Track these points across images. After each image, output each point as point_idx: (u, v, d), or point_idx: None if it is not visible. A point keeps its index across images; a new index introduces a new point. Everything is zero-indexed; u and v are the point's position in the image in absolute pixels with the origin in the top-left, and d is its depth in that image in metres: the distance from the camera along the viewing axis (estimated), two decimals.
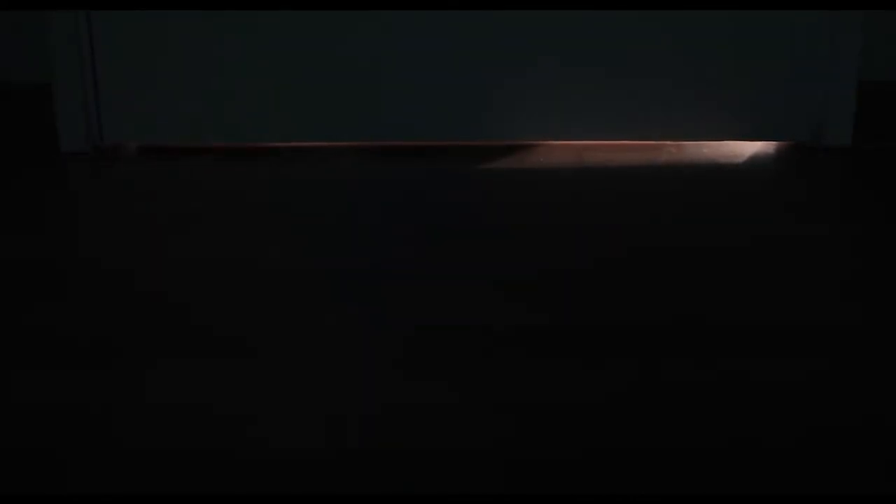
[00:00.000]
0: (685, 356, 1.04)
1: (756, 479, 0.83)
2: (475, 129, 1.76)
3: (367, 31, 1.71)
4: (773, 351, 1.05)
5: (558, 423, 0.91)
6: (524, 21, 1.71)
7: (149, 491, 0.82)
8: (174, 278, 1.24)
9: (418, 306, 1.16)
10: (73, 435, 0.90)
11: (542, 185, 1.58)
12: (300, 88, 1.74)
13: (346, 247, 1.34)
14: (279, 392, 0.97)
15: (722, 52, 1.73)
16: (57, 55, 1.69)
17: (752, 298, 1.17)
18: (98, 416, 0.93)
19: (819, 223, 1.42)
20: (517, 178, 1.62)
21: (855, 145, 1.74)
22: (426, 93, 1.74)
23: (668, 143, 1.78)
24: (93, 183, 1.62)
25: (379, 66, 1.73)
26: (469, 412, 0.94)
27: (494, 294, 1.19)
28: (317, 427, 0.91)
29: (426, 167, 1.68)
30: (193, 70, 1.72)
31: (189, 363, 1.03)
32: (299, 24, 1.71)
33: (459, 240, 1.35)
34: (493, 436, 0.90)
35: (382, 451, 0.87)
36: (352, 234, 1.38)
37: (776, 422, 0.92)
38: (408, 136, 1.77)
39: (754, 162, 1.70)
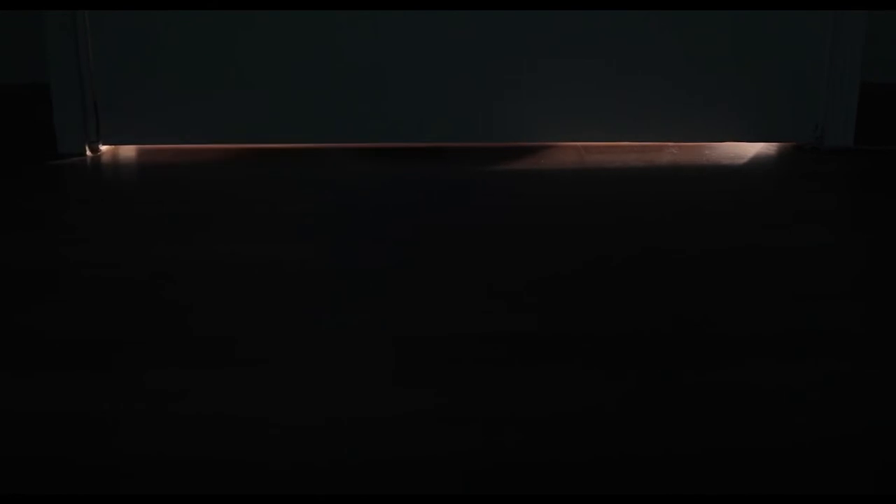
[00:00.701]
0: (685, 362, 1.03)
1: (756, 482, 0.82)
2: (476, 130, 1.76)
3: (367, 33, 1.71)
4: (775, 356, 1.04)
5: (557, 431, 0.91)
6: (526, 23, 1.70)
7: (148, 493, 0.81)
8: (174, 279, 1.23)
9: (415, 311, 1.15)
10: (73, 439, 0.90)
11: (543, 187, 1.57)
12: (300, 89, 1.73)
13: (346, 248, 1.33)
14: (272, 397, 0.97)
15: (724, 54, 1.72)
16: (53, 56, 1.68)
17: (753, 302, 1.17)
18: (97, 419, 0.93)
19: (821, 225, 1.42)
20: (518, 179, 1.61)
21: (857, 147, 1.74)
22: (426, 94, 1.73)
23: (670, 144, 1.78)
24: (90, 184, 1.61)
25: (380, 67, 1.72)
26: (465, 419, 0.93)
27: (492, 299, 1.18)
28: (312, 433, 0.91)
29: (427, 168, 1.67)
30: (192, 71, 1.72)
31: (186, 366, 1.02)
32: (299, 24, 1.70)
33: (459, 242, 1.35)
34: (490, 443, 0.89)
35: (378, 456, 0.87)
36: (351, 236, 1.37)
37: (777, 427, 0.91)
38: (408, 138, 1.76)
39: (756, 163, 1.70)
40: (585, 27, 1.71)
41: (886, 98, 1.75)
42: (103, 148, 1.75)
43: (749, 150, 1.76)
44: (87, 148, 1.73)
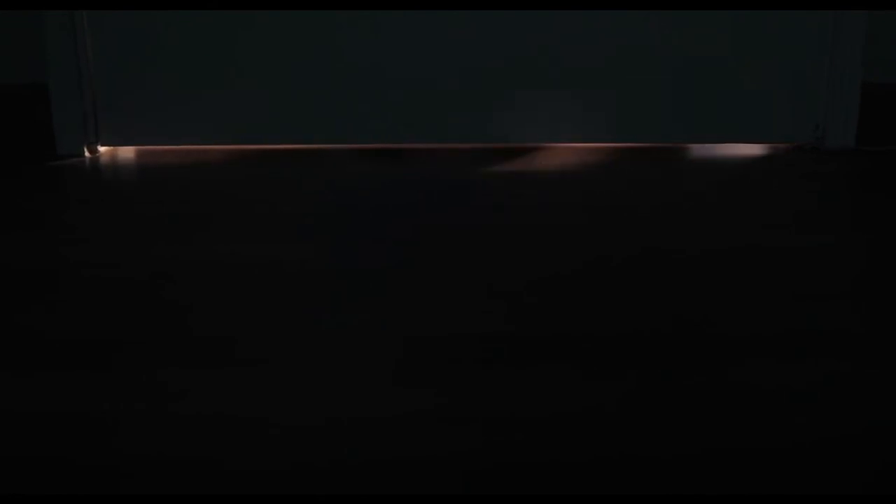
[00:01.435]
0: (685, 362, 1.03)
1: (756, 482, 0.82)
2: (476, 130, 1.76)
3: (367, 32, 1.71)
4: (775, 356, 1.04)
5: (557, 431, 0.91)
6: (526, 23, 1.70)
7: (148, 493, 0.81)
8: (174, 279, 1.23)
9: (415, 311, 1.15)
10: (73, 439, 0.89)
11: (543, 187, 1.57)
12: (300, 89, 1.73)
13: (346, 248, 1.33)
14: (272, 397, 0.97)
15: (724, 55, 1.72)
16: (53, 56, 1.68)
17: (753, 302, 1.17)
18: (97, 419, 0.92)
19: (822, 226, 1.41)
20: (518, 179, 1.61)
21: (858, 147, 1.73)
22: (426, 94, 1.73)
23: (671, 145, 1.77)
24: (89, 185, 1.61)
25: (380, 67, 1.72)
26: (465, 419, 0.93)
27: (492, 299, 1.18)
28: (312, 433, 0.91)
29: (426, 168, 1.67)
30: (191, 71, 1.72)
31: (186, 366, 1.02)
32: (299, 24, 1.70)
33: (459, 242, 1.35)
34: (490, 443, 0.89)
35: (378, 456, 0.87)
36: (351, 236, 1.37)
37: (777, 427, 0.91)
38: (408, 138, 1.76)
39: (757, 164, 1.69)
40: (585, 27, 1.71)
41: (887, 98, 1.75)
42: (102, 149, 1.75)
43: (750, 150, 1.76)
44: (85, 149, 1.72)
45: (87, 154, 1.72)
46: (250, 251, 1.32)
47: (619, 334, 1.09)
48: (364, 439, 0.89)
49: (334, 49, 1.71)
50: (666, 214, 1.45)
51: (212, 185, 1.58)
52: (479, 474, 0.84)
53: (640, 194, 1.54)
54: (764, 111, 1.75)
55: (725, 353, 1.05)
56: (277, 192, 1.55)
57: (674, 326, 1.11)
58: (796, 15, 1.71)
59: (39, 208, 1.49)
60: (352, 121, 1.74)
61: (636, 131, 1.76)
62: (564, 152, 1.74)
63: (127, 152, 1.75)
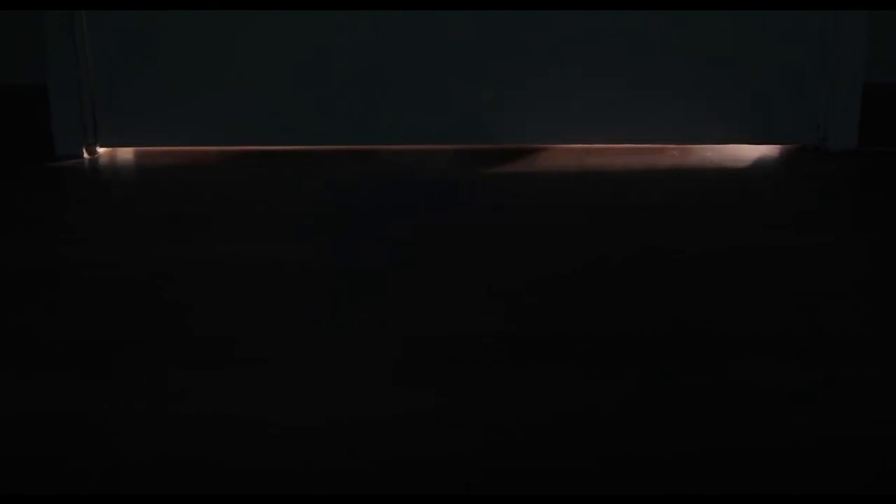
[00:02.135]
0: (685, 362, 1.03)
1: (756, 482, 0.82)
2: (476, 131, 1.75)
3: (367, 32, 1.70)
4: (775, 356, 1.04)
5: (557, 431, 0.91)
6: (526, 23, 1.70)
7: (148, 493, 0.81)
8: (174, 279, 1.23)
9: (415, 311, 1.15)
10: (73, 439, 0.89)
11: (543, 188, 1.57)
12: (300, 89, 1.73)
13: (346, 248, 1.33)
14: (272, 397, 0.97)
15: (726, 55, 1.72)
16: (51, 57, 1.68)
17: (753, 302, 1.16)
18: (97, 419, 0.92)
19: (824, 227, 1.41)
20: (518, 179, 1.61)
21: (860, 149, 1.73)
22: (426, 94, 1.73)
23: (672, 146, 1.77)
24: (88, 186, 1.61)
25: (380, 67, 1.72)
26: (465, 419, 0.93)
27: (492, 299, 1.18)
28: (312, 433, 0.91)
29: (426, 168, 1.67)
30: (191, 72, 1.72)
31: (186, 366, 1.02)
32: (299, 24, 1.70)
33: (459, 242, 1.35)
34: (490, 443, 0.89)
35: (378, 456, 0.87)
36: (351, 236, 1.37)
37: (777, 427, 0.91)
38: (408, 139, 1.76)
39: (757, 164, 1.69)
40: (585, 27, 1.71)
41: (889, 99, 1.75)
42: (101, 150, 1.75)
43: (751, 151, 1.76)
44: (84, 150, 1.72)
45: (85, 155, 1.72)
46: (250, 251, 1.32)
47: (619, 334, 1.09)
48: (364, 439, 0.89)
49: (334, 49, 1.71)
50: (666, 214, 1.45)
51: (211, 186, 1.58)
52: (479, 474, 0.84)
53: (640, 194, 1.54)
54: (765, 112, 1.75)
55: (725, 353, 1.05)
56: (277, 193, 1.55)
57: (674, 326, 1.11)
58: (796, 15, 1.70)
59: (39, 208, 1.49)
60: (351, 121, 1.74)
61: (636, 132, 1.76)
62: (564, 152, 1.74)
63: (126, 153, 1.75)
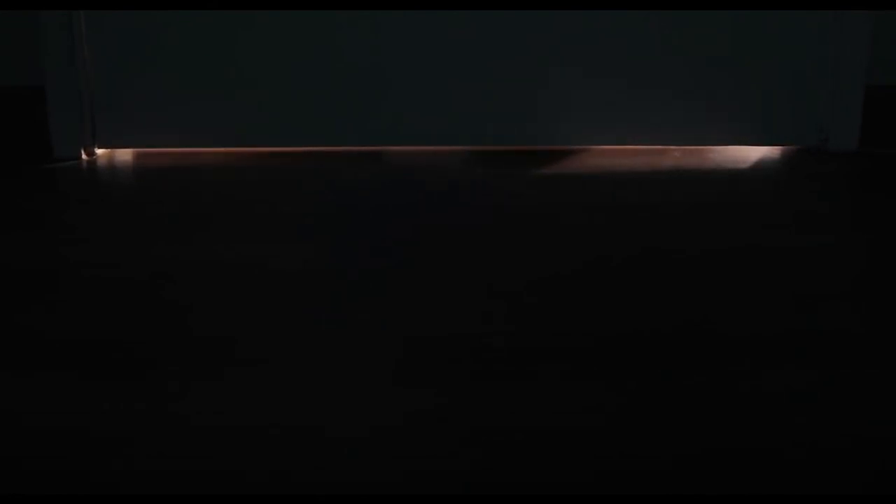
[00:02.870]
0: (685, 362, 1.03)
1: (756, 482, 0.82)
2: (477, 132, 1.75)
3: (367, 32, 1.70)
4: (775, 356, 1.04)
5: (557, 430, 0.91)
6: (526, 23, 1.70)
7: (148, 493, 0.81)
8: (174, 279, 1.23)
9: (415, 311, 1.15)
10: (72, 439, 0.89)
11: (543, 188, 1.57)
12: (300, 90, 1.73)
13: (346, 248, 1.33)
14: (272, 398, 0.97)
15: (728, 57, 1.72)
16: (50, 58, 1.68)
17: (753, 302, 1.16)
18: (97, 419, 0.92)
19: (822, 226, 1.41)
20: (518, 180, 1.61)
21: (862, 150, 1.73)
22: (426, 95, 1.73)
23: (674, 147, 1.77)
24: (87, 187, 1.61)
25: (380, 67, 1.72)
26: (465, 419, 0.93)
27: (492, 299, 1.18)
28: (312, 433, 0.91)
29: (426, 168, 1.67)
30: (191, 72, 1.72)
31: (186, 366, 1.02)
32: (299, 24, 1.70)
33: (459, 242, 1.35)
34: (490, 443, 0.89)
35: (379, 456, 0.87)
36: (351, 236, 1.37)
37: (777, 427, 0.91)
38: (408, 139, 1.76)
39: (758, 165, 1.69)
40: (585, 27, 1.70)
41: (891, 101, 1.75)
42: (99, 151, 1.75)
43: (752, 152, 1.76)
44: (82, 151, 1.72)
45: (84, 156, 1.72)
46: (250, 251, 1.32)
47: (618, 334, 1.09)
48: (364, 439, 0.89)
49: (334, 49, 1.71)
50: (666, 214, 1.45)
51: (211, 186, 1.58)
52: (478, 474, 0.84)
53: (640, 194, 1.54)
54: (765, 113, 1.75)
55: (725, 353, 1.05)
56: (277, 193, 1.55)
57: (674, 326, 1.11)
58: (802, 17, 1.70)
59: (39, 208, 1.49)
60: (351, 121, 1.74)
61: (636, 133, 1.76)
62: (564, 153, 1.74)
63: (125, 154, 1.75)
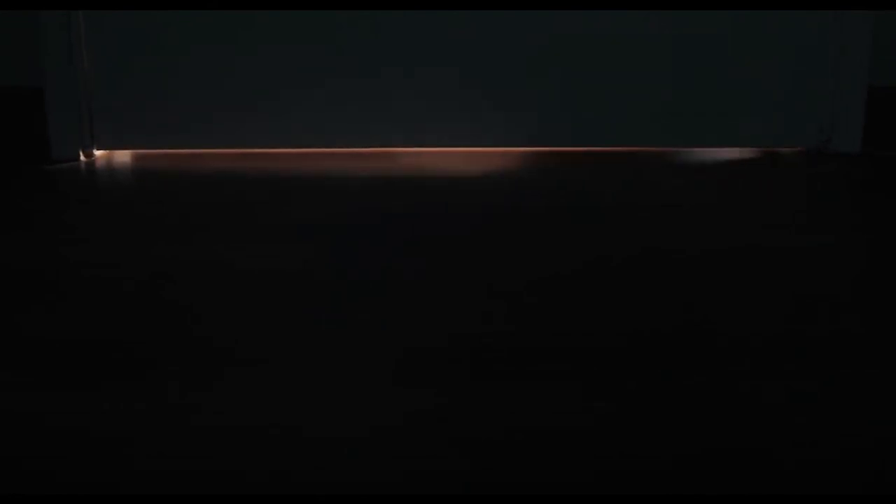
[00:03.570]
0: (685, 362, 1.03)
1: (756, 482, 0.82)
2: (477, 133, 1.75)
3: (367, 33, 1.70)
4: (775, 356, 1.04)
5: (557, 430, 0.91)
6: (526, 23, 1.70)
7: (148, 493, 0.81)
8: (174, 279, 1.23)
9: (415, 311, 1.15)
10: (72, 439, 0.89)
11: (543, 189, 1.57)
12: (299, 93, 1.73)
13: (346, 249, 1.33)
14: (272, 398, 0.97)
15: (730, 57, 1.72)
16: (48, 58, 1.68)
17: (753, 302, 1.16)
18: (97, 420, 0.92)
19: (822, 226, 1.41)
20: (518, 180, 1.61)
21: (864, 151, 1.73)
22: (426, 95, 1.73)
23: (674, 148, 1.77)
24: (86, 187, 1.61)
25: (380, 67, 1.72)
26: (465, 419, 0.93)
27: (492, 299, 1.18)
28: (312, 433, 0.90)
29: (426, 169, 1.67)
30: (190, 72, 1.72)
31: (186, 366, 1.02)
32: (299, 24, 1.70)
33: (459, 242, 1.35)
34: (490, 442, 0.89)
35: (378, 457, 0.87)
36: (351, 237, 1.37)
37: (777, 427, 0.91)
38: (408, 140, 1.76)
39: (758, 166, 1.69)
40: (585, 28, 1.71)
41: (893, 102, 1.75)
42: (98, 152, 1.75)
43: (752, 153, 1.76)
44: (81, 153, 1.72)
45: (82, 158, 1.72)
46: (250, 251, 1.32)
47: (618, 334, 1.09)
48: (364, 439, 0.89)
49: (334, 49, 1.71)
50: (666, 214, 1.44)
51: (211, 187, 1.58)
52: (478, 474, 0.84)
53: (639, 195, 1.54)
54: (769, 114, 1.75)
55: (725, 352, 1.05)
56: (277, 193, 1.55)
57: (674, 326, 1.11)
58: (804, 17, 1.70)
59: (39, 208, 1.49)
60: (351, 123, 1.74)
61: (636, 134, 1.76)
62: (564, 154, 1.74)
63: (123, 156, 1.75)
